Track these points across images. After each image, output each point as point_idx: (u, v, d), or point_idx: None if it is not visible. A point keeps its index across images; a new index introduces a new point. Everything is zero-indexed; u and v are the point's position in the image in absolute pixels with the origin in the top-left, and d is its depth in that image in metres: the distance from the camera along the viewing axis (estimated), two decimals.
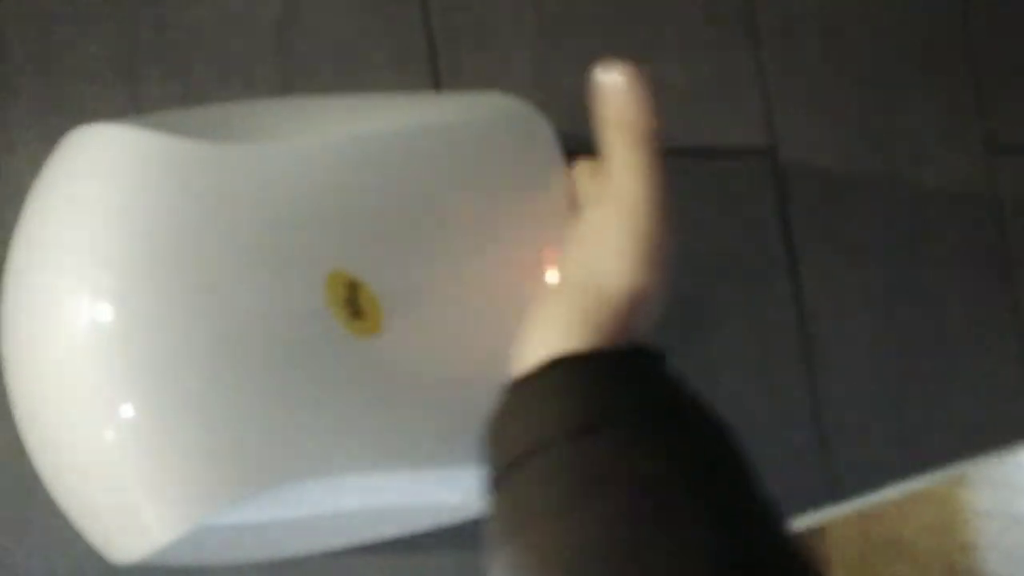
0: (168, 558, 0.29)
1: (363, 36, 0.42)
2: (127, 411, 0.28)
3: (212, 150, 0.29)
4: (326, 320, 0.29)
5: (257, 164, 0.29)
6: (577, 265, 0.30)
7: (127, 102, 0.36)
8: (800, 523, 0.53)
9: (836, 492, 0.55)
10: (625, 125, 0.31)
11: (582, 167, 0.34)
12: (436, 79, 0.44)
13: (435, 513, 0.35)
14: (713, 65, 0.54)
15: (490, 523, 0.28)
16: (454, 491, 0.33)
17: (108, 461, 0.28)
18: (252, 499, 0.28)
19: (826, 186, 0.58)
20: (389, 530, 0.35)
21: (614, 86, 0.32)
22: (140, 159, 0.28)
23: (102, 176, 0.29)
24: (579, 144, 0.45)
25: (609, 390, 0.27)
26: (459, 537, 0.37)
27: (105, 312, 0.28)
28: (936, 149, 0.64)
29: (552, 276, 0.33)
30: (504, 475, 0.27)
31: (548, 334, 0.28)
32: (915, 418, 0.60)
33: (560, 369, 0.27)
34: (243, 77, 0.38)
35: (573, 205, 0.35)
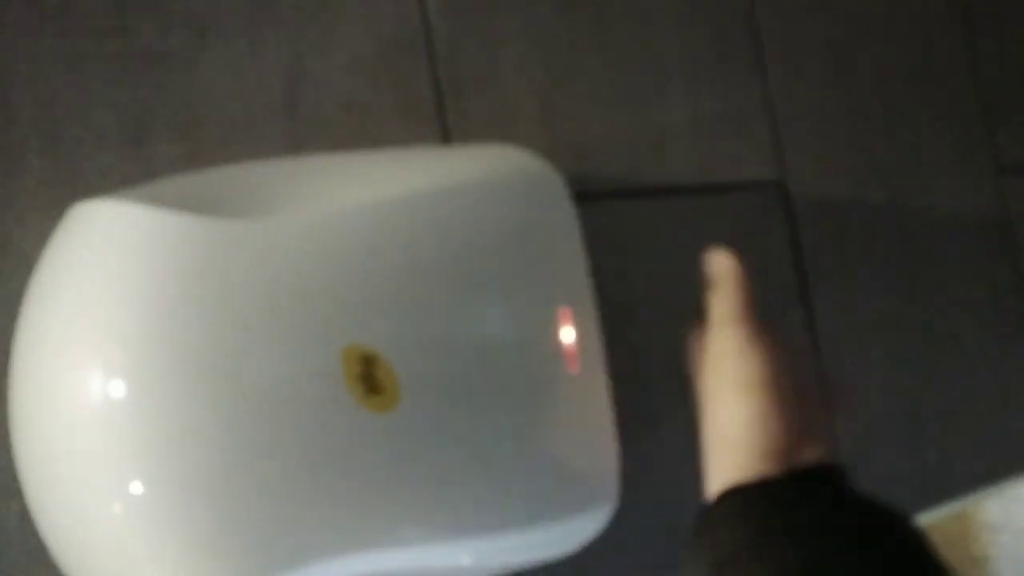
0: None
1: (370, 88, 0.41)
2: (136, 488, 0.27)
3: (221, 226, 0.28)
4: (342, 396, 0.28)
5: (267, 238, 0.29)
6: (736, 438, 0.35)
7: (135, 165, 0.35)
8: None
9: None
10: (734, 309, 0.37)
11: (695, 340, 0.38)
12: (444, 127, 0.43)
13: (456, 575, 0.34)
14: (720, 100, 0.53)
15: None
16: (466, 556, 0.33)
17: (117, 539, 0.28)
18: None
19: (837, 216, 0.58)
20: None
21: (725, 271, 0.38)
22: (147, 236, 0.28)
23: (109, 253, 0.28)
24: (586, 186, 0.44)
25: (778, 509, 0.32)
26: None
27: (115, 388, 0.27)
28: (945, 175, 0.63)
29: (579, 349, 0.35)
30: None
31: (725, 473, 0.34)
32: (931, 445, 0.59)
33: (736, 496, 0.33)
34: (252, 133, 0.38)
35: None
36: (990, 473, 0.62)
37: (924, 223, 0.62)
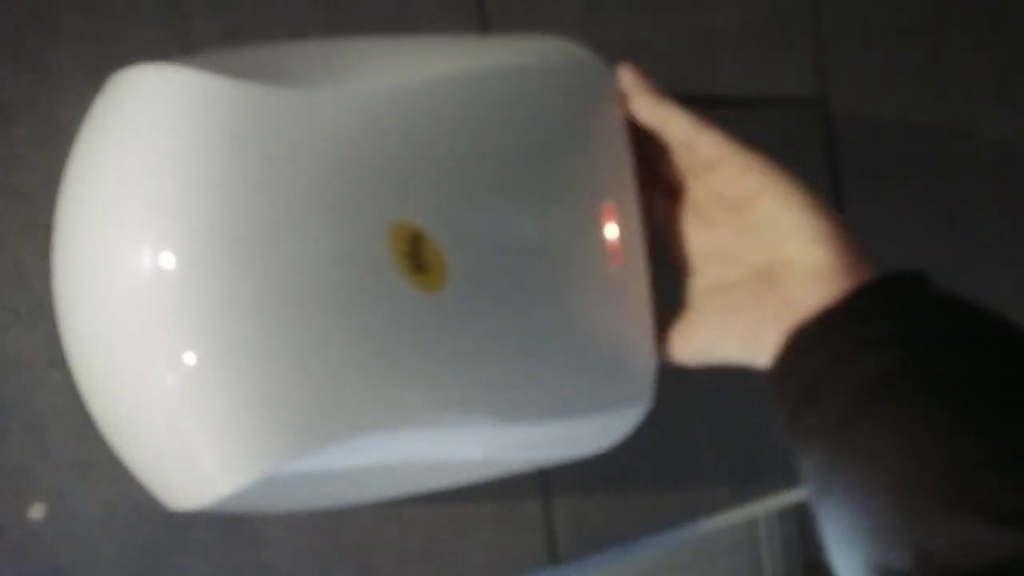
0: (226, 506, 0.29)
1: None
2: (189, 359, 0.27)
3: (269, 94, 0.28)
4: (389, 271, 0.28)
5: (316, 109, 0.28)
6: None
7: (171, 39, 0.34)
8: None
9: None
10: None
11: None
12: (483, 20, 0.42)
13: (488, 467, 0.34)
14: (767, 10, 0.51)
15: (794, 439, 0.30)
16: (500, 446, 0.33)
17: (169, 410, 0.28)
18: (314, 452, 0.28)
19: (877, 139, 0.56)
20: (436, 482, 0.35)
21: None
22: (195, 101, 0.27)
23: (156, 118, 0.27)
24: None
25: (857, 322, 0.30)
26: (497, 487, 0.37)
27: (165, 259, 0.27)
28: (992, 108, 0.61)
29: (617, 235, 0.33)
30: (801, 404, 0.29)
31: (816, 286, 0.31)
32: None
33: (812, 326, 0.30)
34: (288, 13, 0.37)
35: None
36: None
37: (966, 156, 0.60)
